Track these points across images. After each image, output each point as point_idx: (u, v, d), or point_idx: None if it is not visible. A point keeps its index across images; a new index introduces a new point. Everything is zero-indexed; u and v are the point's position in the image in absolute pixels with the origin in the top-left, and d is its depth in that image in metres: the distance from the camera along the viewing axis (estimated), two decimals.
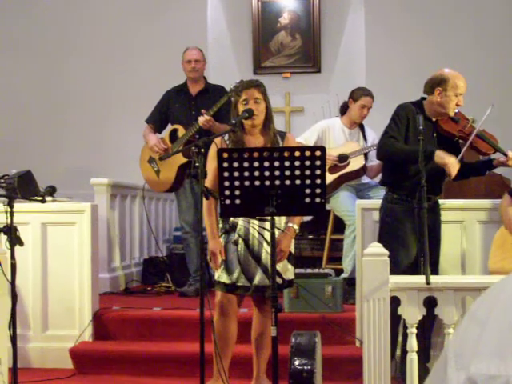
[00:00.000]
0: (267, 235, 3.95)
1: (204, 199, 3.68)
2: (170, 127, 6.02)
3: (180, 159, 5.73)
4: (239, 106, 4.04)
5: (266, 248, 3.95)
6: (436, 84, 4.32)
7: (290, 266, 4.08)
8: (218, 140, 4.01)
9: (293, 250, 4.12)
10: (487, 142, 4.41)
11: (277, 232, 3.79)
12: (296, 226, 4.03)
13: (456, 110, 4.35)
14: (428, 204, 3.91)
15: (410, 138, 4.30)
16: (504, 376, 0.70)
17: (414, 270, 4.13)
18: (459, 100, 4.29)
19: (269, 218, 3.86)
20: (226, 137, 4.11)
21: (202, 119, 5.54)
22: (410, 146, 4.26)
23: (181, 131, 5.80)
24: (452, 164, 4.13)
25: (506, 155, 4.31)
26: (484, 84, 7.64)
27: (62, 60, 8.54)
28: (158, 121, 6.12)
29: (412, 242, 4.25)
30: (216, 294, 4.12)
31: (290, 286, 4.26)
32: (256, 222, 3.99)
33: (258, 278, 3.96)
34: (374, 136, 5.96)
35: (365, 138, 5.99)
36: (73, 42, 8.54)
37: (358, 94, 5.90)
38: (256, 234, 3.99)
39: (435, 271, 4.22)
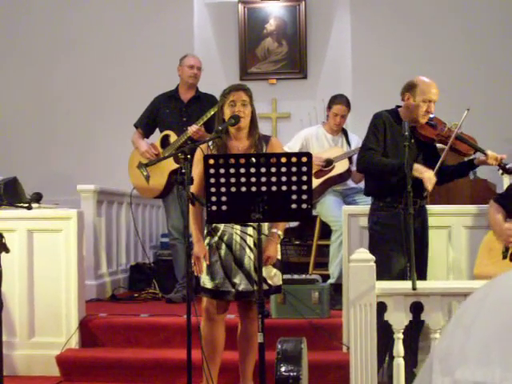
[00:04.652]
0: (249, 240, 3.96)
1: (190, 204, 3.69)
2: (159, 133, 5.99)
3: (171, 165, 5.70)
4: (225, 108, 4.04)
5: (249, 254, 3.96)
6: (406, 89, 4.38)
7: (276, 272, 4.06)
8: (203, 146, 4.02)
9: (279, 256, 4.10)
10: (466, 143, 4.44)
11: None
12: (280, 232, 4.03)
13: (432, 115, 4.36)
14: (414, 208, 3.92)
15: (388, 146, 4.33)
16: (489, 383, 0.70)
17: (404, 275, 4.13)
18: (429, 107, 4.30)
19: (251, 223, 3.89)
20: (210, 142, 4.11)
21: (191, 129, 5.53)
22: (388, 160, 4.28)
23: (172, 137, 5.78)
24: (429, 178, 4.15)
25: (486, 154, 4.34)
26: (472, 87, 7.69)
27: (49, 67, 8.51)
28: (146, 125, 6.09)
29: (402, 247, 4.25)
30: (202, 300, 4.12)
31: (278, 292, 4.25)
32: (238, 226, 3.98)
33: (241, 283, 3.96)
34: (357, 139, 5.95)
35: (348, 143, 6.01)
36: (60, 49, 8.51)
37: (331, 101, 5.92)
38: (238, 239, 3.99)
39: (423, 276, 4.23)
